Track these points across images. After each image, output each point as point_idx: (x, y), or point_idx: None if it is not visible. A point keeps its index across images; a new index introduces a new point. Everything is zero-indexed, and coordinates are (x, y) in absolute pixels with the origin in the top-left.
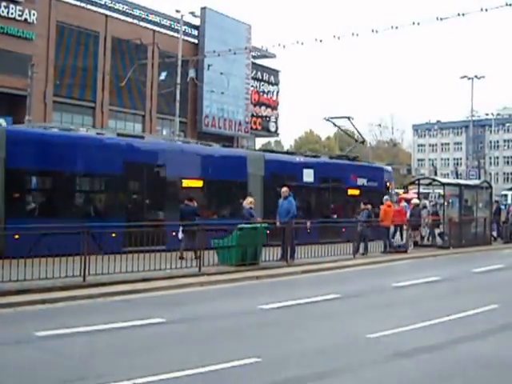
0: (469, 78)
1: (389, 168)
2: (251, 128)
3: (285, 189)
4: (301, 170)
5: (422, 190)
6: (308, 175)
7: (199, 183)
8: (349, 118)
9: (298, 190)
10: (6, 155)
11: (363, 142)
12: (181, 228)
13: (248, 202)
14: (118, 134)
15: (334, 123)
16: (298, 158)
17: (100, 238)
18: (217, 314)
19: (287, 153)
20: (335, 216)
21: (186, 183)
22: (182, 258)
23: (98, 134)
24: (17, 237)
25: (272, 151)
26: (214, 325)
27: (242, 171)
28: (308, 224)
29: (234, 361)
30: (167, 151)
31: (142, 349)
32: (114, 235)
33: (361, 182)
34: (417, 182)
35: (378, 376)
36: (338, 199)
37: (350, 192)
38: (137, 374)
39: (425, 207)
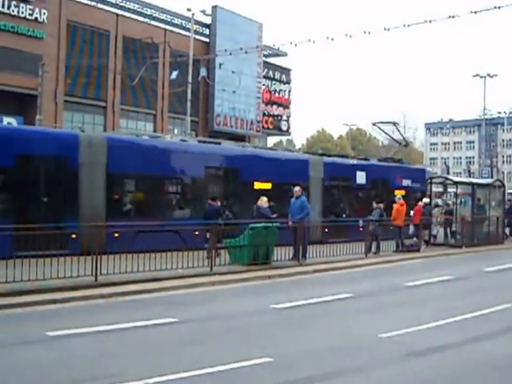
0: (481, 77)
1: (429, 169)
2: (263, 127)
3: (297, 188)
4: (354, 173)
5: (437, 189)
6: (360, 177)
7: (268, 185)
8: (394, 123)
9: (353, 191)
10: (106, 161)
11: (406, 145)
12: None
13: (264, 202)
14: (199, 141)
15: (380, 128)
16: (352, 161)
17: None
18: (229, 313)
19: (341, 156)
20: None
21: (257, 185)
22: (218, 255)
23: (181, 140)
24: (116, 234)
25: (328, 155)
26: (226, 324)
27: (304, 174)
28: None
29: (246, 361)
30: (240, 156)
31: (153, 348)
32: (197, 233)
33: (405, 182)
34: (429, 180)
35: (390, 376)
36: (386, 200)
37: (397, 192)
38: (148, 373)
39: (437, 206)
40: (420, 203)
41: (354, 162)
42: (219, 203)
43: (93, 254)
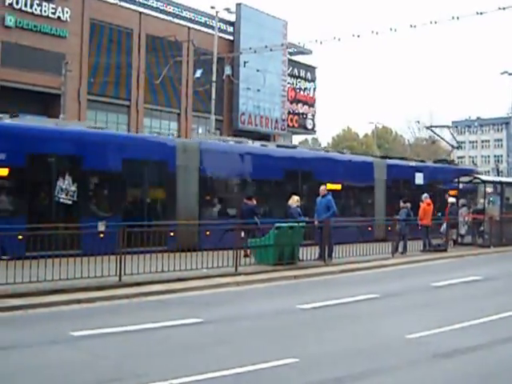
0: (509, 74)
1: (478, 169)
2: (288, 125)
3: (323, 187)
4: (413, 174)
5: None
6: (419, 178)
7: (338, 187)
8: (448, 127)
9: (413, 192)
10: (199, 165)
11: (459, 147)
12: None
13: (294, 201)
14: (278, 146)
15: (433, 131)
16: (411, 163)
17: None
18: (254, 313)
19: (401, 158)
20: (439, 214)
21: (328, 187)
22: (246, 255)
23: (262, 145)
24: (208, 233)
25: (390, 157)
26: (251, 325)
27: (370, 176)
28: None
29: (272, 361)
30: (314, 159)
31: (178, 349)
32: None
33: None
34: (457, 180)
35: (417, 377)
36: (441, 199)
37: (451, 193)
38: (173, 374)
39: (464, 205)
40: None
41: (413, 164)
42: (255, 202)
43: (116, 254)
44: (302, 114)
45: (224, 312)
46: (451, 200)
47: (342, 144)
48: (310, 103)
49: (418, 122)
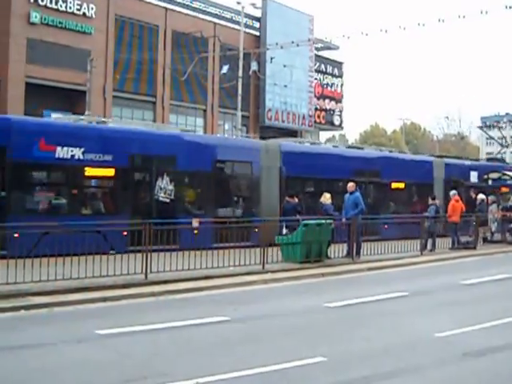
0: None
1: None
2: (315, 121)
3: (351, 184)
4: (468, 172)
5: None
6: (473, 176)
7: (402, 185)
8: (499, 127)
9: (468, 190)
10: (281, 165)
11: (508, 145)
12: (284, 223)
13: (327, 198)
14: (348, 147)
15: (486, 132)
16: (467, 162)
17: None
18: (281, 312)
19: (457, 158)
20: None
21: (394, 185)
22: None
23: (333, 146)
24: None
25: (447, 156)
26: (279, 323)
27: (429, 175)
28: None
29: (299, 360)
30: (380, 159)
31: (205, 348)
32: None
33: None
34: (486, 176)
35: (446, 377)
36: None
37: (503, 190)
38: (200, 373)
39: (494, 202)
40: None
41: (468, 162)
42: (297, 200)
43: (142, 252)
44: (329, 109)
45: (251, 310)
46: (480, 197)
47: (369, 140)
48: (337, 99)
49: (447, 117)
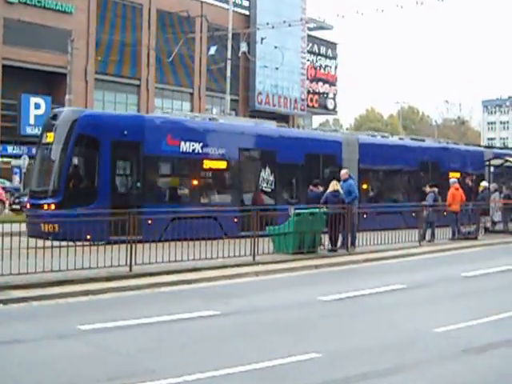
0: None
1: None
2: (308, 105)
3: (344, 171)
4: None
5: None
6: None
7: (457, 175)
8: None
9: (464, 177)
10: (359, 157)
11: None
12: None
13: (333, 186)
14: (412, 139)
15: None
16: None
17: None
18: (273, 305)
19: (502, 148)
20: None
21: (451, 175)
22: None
23: (399, 138)
24: (365, 216)
25: (495, 147)
26: (271, 317)
27: (481, 164)
28: None
29: (292, 356)
30: (439, 149)
31: (194, 343)
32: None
33: None
34: (487, 162)
35: (446, 373)
36: None
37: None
38: (189, 370)
39: (496, 190)
40: (454, 185)
41: None
42: (321, 189)
43: (127, 243)
44: (323, 93)
45: (242, 304)
46: (483, 184)
47: (365, 125)
48: (331, 82)
49: (447, 101)
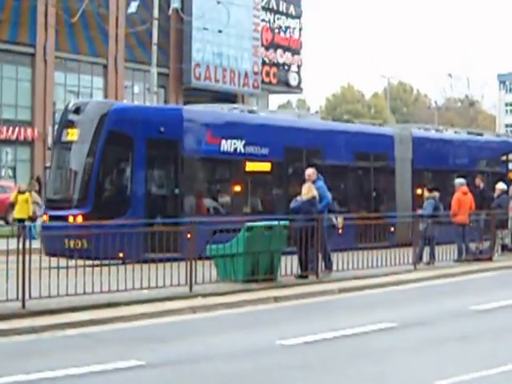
0: None
1: None
2: (262, 81)
3: (310, 170)
4: None
5: None
6: None
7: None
8: None
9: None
10: (412, 156)
11: None
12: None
13: (310, 190)
14: (468, 132)
15: None
16: None
17: None
18: (216, 354)
19: None
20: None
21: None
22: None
23: (455, 132)
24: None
25: None
26: (212, 370)
27: (494, 160)
28: None
29: None
30: (501, 143)
31: None
32: None
33: None
34: (505, 157)
35: None
36: None
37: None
38: None
39: None
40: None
41: None
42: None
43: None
44: (283, 64)
45: (174, 351)
46: (500, 186)
47: (340, 107)
48: (295, 49)
49: (450, 75)
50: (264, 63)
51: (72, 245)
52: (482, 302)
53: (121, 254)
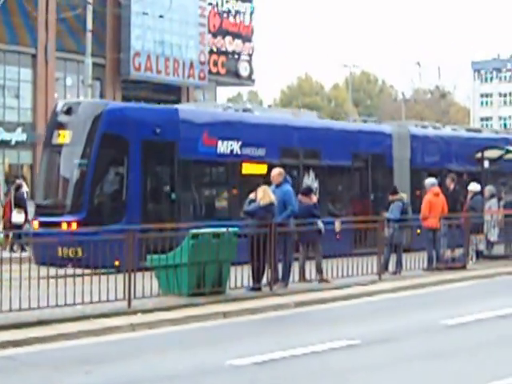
0: None
1: None
2: (210, 72)
3: (277, 171)
4: None
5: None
6: None
7: None
8: None
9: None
10: (411, 155)
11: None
12: None
13: (266, 195)
14: (467, 130)
15: None
16: None
17: None
18: (158, 374)
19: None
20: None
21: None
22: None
23: (453, 129)
24: (418, 231)
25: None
26: None
27: (467, 158)
28: None
29: None
30: (501, 141)
31: None
32: None
33: None
34: (480, 154)
35: None
36: None
37: None
38: None
39: (493, 196)
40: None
41: None
42: (315, 199)
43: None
44: (233, 53)
45: (111, 373)
46: (473, 187)
47: (296, 100)
48: (245, 36)
49: (419, 63)
50: (211, 52)
51: (66, 253)
52: (455, 316)
53: (117, 263)
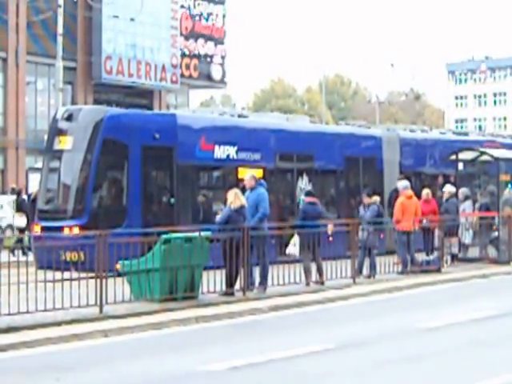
0: None
1: None
2: (182, 75)
3: (249, 176)
4: None
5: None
6: None
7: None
8: None
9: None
10: (400, 158)
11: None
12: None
13: (237, 198)
14: (454, 133)
15: None
16: None
17: None
18: (129, 381)
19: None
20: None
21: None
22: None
23: (441, 133)
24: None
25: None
26: None
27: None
28: None
29: None
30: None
31: None
32: None
33: None
34: (455, 156)
35: None
36: None
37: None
38: None
39: (467, 198)
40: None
41: None
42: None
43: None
44: (205, 56)
45: (82, 380)
46: (448, 189)
47: (270, 104)
48: (218, 39)
49: (393, 65)
50: (183, 55)
51: (68, 257)
52: (429, 319)
53: (118, 266)
